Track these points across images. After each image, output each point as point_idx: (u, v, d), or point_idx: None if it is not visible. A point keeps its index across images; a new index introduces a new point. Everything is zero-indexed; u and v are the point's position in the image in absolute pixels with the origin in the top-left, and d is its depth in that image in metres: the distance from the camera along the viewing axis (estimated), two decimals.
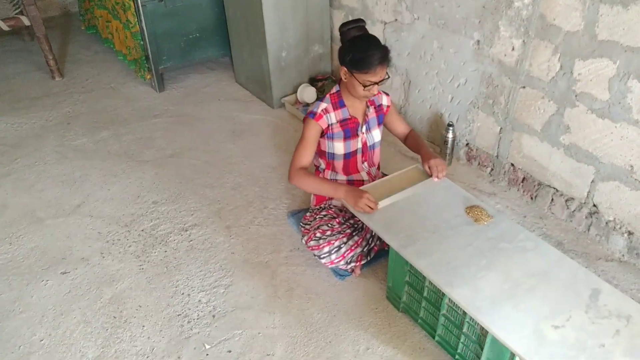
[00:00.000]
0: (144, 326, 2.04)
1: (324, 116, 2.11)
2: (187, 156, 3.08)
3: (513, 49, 2.42)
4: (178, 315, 2.08)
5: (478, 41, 2.57)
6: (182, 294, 2.17)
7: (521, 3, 2.30)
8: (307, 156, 2.13)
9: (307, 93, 3.50)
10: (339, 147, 2.18)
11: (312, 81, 3.62)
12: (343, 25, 2.05)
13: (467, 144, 2.89)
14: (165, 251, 2.39)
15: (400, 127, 2.36)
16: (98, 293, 2.20)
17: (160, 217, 2.60)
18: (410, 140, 2.34)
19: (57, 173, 2.95)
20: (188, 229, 2.51)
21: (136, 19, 3.49)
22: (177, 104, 3.67)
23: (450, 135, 2.81)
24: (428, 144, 2.41)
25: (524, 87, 2.45)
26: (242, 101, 3.70)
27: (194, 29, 3.77)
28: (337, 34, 3.54)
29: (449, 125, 2.81)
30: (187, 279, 2.24)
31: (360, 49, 1.95)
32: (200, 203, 2.69)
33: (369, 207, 1.95)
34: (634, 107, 2.04)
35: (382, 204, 1.99)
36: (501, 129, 2.64)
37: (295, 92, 3.56)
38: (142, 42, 3.58)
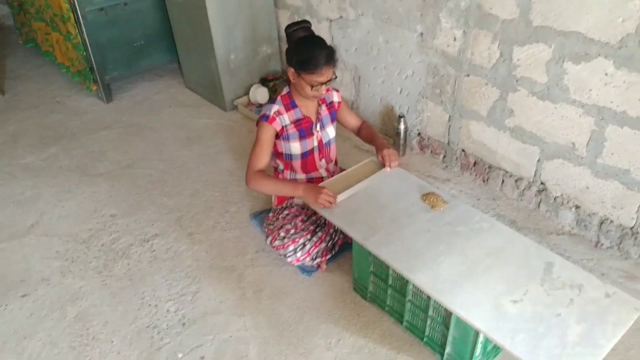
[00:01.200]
0: (112, 341, 2.02)
1: (277, 118, 2.13)
2: (141, 166, 3.04)
3: (455, 39, 2.51)
4: (147, 327, 2.06)
5: (421, 34, 2.65)
6: (150, 305, 2.16)
7: None
8: (262, 159, 2.14)
9: (260, 93, 3.50)
10: (295, 147, 2.20)
11: (264, 81, 3.63)
12: (288, 26, 2.07)
13: (419, 134, 2.97)
14: (128, 264, 2.36)
15: (353, 121, 2.41)
16: (62, 312, 2.15)
17: (120, 230, 2.56)
18: (364, 132, 2.39)
19: (7, 194, 2.86)
20: (149, 240, 2.49)
21: (77, 30, 3.40)
22: (126, 113, 3.61)
23: (402, 126, 2.89)
24: (382, 136, 2.46)
25: (468, 75, 2.54)
26: (194, 106, 3.67)
27: (138, 36, 3.70)
28: (284, 34, 3.56)
29: (400, 116, 2.88)
30: (153, 290, 2.22)
31: (306, 50, 1.98)
32: (159, 213, 2.66)
33: (328, 202, 1.99)
34: (571, 87, 2.16)
35: (341, 197, 2.04)
36: (450, 117, 2.74)
37: (247, 93, 3.56)
38: (85, 53, 3.50)
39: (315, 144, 2.25)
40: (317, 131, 2.24)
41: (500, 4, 2.26)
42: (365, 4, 2.88)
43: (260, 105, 3.50)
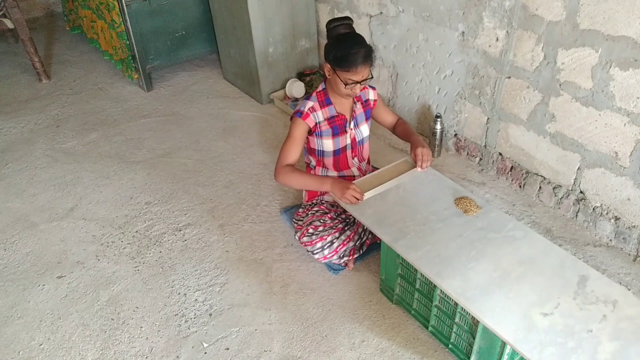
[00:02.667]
0: (141, 327, 2.07)
1: (311, 115, 2.13)
2: (178, 156, 3.09)
3: (497, 39, 2.44)
4: (175, 315, 2.11)
5: (463, 32, 2.60)
6: (179, 293, 2.20)
7: None
8: (293, 154, 2.15)
9: (296, 88, 3.51)
10: (328, 144, 2.20)
11: (300, 76, 3.63)
12: (330, 22, 2.06)
13: (455, 135, 2.92)
14: (160, 252, 2.41)
15: (389, 118, 2.39)
16: (95, 296, 2.22)
17: (154, 218, 2.61)
18: (399, 129, 2.36)
19: (48, 177, 2.96)
20: (182, 229, 2.53)
21: (121, 19, 3.47)
22: (165, 103, 3.67)
23: (438, 126, 2.84)
24: (418, 134, 2.44)
25: (509, 77, 2.48)
26: (231, 98, 3.71)
27: (180, 26, 3.76)
28: (323, 28, 3.55)
29: (437, 116, 2.84)
30: (182, 279, 2.27)
31: (344, 47, 1.96)
32: (193, 202, 2.71)
33: (355, 197, 1.99)
34: (617, 94, 2.08)
35: (368, 195, 2.03)
36: (488, 119, 2.68)
37: (283, 87, 3.57)
38: (128, 42, 3.57)
39: (349, 141, 2.24)
40: (351, 129, 2.23)
41: (546, 5, 2.18)
42: (406, 1, 2.83)
43: (296, 100, 3.51)
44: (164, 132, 3.33)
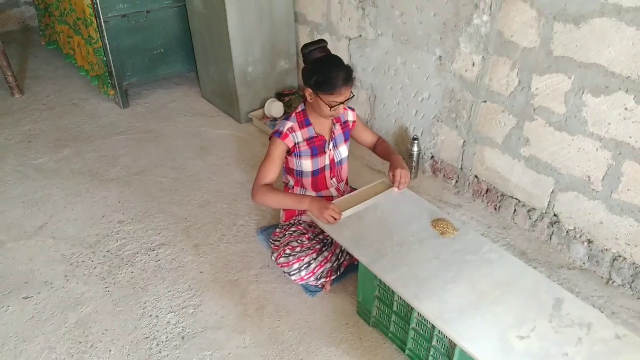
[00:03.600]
0: (110, 350, 2.00)
1: (290, 135, 2.12)
2: (153, 174, 3.04)
3: (473, 64, 2.49)
4: (146, 338, 2.04)
5: (440, 57, 2.64)
6: (150, 315, 2.14)
7: (480, 20, 2.37)
8: (271, 173, 2.13)
9: (275, 108, 3.51)
10: (306, 165, 2.19)
11: (279, 96, 3.64)
12: (305, 46, 2.06)
13: (432, 157, 2.95)
14: (132, 272, 2.35)
15: (369, 137, 2.39)
16: (62, 317, 2.14)
17: (127, 237, 2.55)
18: (379, 148, 2.37)
19: (18, 194, 2.87)
20: (155, 249, 2.48)
21: (98, 35, 3.44)
22: (142, 120, 3.63)
23: (415, 148, 2.86)
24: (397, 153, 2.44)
25: (485, 101, 2.52)
26: (209, 116, 3.69)
27: (158, 44, 3.74)
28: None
29: (414, 138, 2.86)
30: (155, 300, 2.20)
31: (324, 71, 1.97)
32: (167, 221, 2.65)
33: (333, 217, 1.98)
34: (589, 120, 2.13)
35: (346, 214, 2.03)
36: (464, 142, 2.71)
37: (262, 106, 3.57)
38: (104, 58, 3.53)
39: (327, 162, 2.23)
40: (330, 150, 2.23)
41: (521, 31, 2.24)
42: (385, 25, 2.87)
43: (275, 119, 3.51)
44: (140, 150, 3.28)
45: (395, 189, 2.17)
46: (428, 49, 2.68)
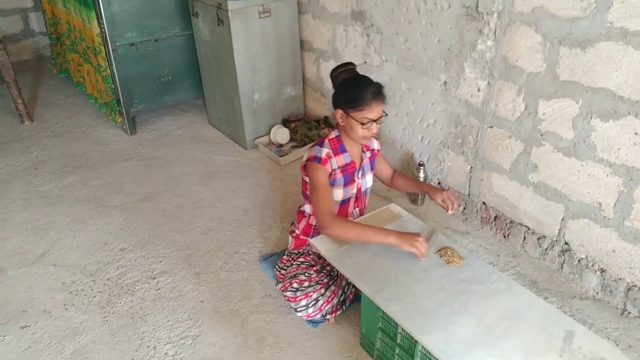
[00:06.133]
0: None
1: (329, 161, 2.03)
2: (157, 200, 3.02)
3: (479, 89, 2.46)
4: None
5: (445, 82, 2.61)
6: (148, 346, 2.08)
7: (484, 46, 2.35)
8: (330, 201, 1.99)
9: (281, 134, 3.50)
10: (338, 194, 2.09)
11: (285, 122, 3.63)
12: (333, 70, 2.04)
13: (439, 183, 2.90)
14: (132, 301, 2.30)
15: (387, 169, 2.35)
16: (59, 348, 2.09)
17: (127, 265, 2.52)
18: (400, 180, 2.32)
19: (21, 220, 2.86)
20: (156, 277, 2.44)
21: (107, 63, 3.48)
22: (148, 147, 3.63)
23: (421, 174, 2.82)
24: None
25: (491, 126, 2.48)
26: (215, 143, 3.68)
27: (166, 72, 3.77)
28: (309, 76, 3.58)
29: (420, 165, 2.82)
30: (153, 330, 2.15)
31: (353, 88, 1.92)
32: (169, 249, 2.62)
33: (425, 248, 1.87)
34: (598, 145, 2.07)
35: (334, 259, 1.93)
36: (471, 168, 2.66)
37: (268, 133, 3.56)
38: (113, 86, 3.56)
39: (354, 191, 2.16)
40: (358, 178, 2.15)
41: (526, 56, 2.21)
42: (389, 51, 2.87)
43: (281, 145, 3.49)
44: (145, 177, 3.27)
45: (450, 212, 2.09)
46: (433, 74, 2.66)
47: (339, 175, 2.08)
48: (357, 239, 1.92)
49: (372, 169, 2.22)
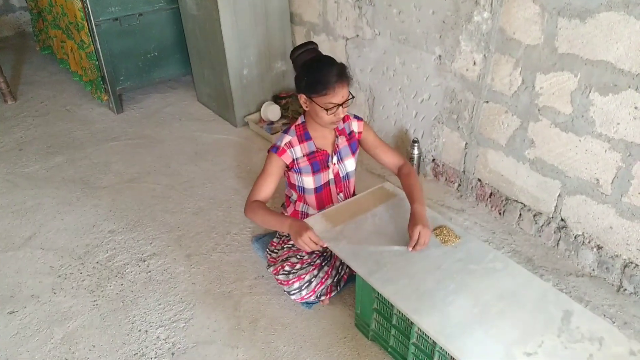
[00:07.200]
0: None
1: (288, 150, 1.97)
2: (146, 181, 2.96)
3: (474, 63, 2.39)
4: (134, 354, 1.95)
5: (440, 56, 2.54)
6: (139, 330, 2.04)
7: (480, 17, 2.27)
8: (264, 190, 1.97)
9: (271, 111, 3.42)
10: (308, 182, 2.04)
11: (276, 99, 3.55)
12: (293, 51, 1.92)
13: (433, 160, 2.85)
14: (122, 284, 2.26)
15: (392, 159, 2.13)
16: (48, 333, 2.05)
17: (117, 247, 2.46)
18: (404, 182, 2.05)
19: (7, 203, 2.79)
20: (146, 259, 2.39)
21: (90, 39, 3.36)
22: (136, 125, 3.54)
23: (415, 151, 2.77)
24: (423, 194, 2.03)
25: (487, 101, 2.42)
26: (205, 121, 3.60)
27: (152, 47, 3.66)
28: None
29: (414, 141, 2.76)
30: (144, 314, 2.11)
31: (314, 71, 1.83)
32: (159, 230, 2.56)
33: (313, 242, 1.77)
34: (597, 120, 2.02)
35: (329, 243, 1.86)
36: (466, 144, 2.61)
37: (258, 110, 3.48)
38: (97, 63, 3.45)
39: (331, 177, 2.09)
40: (334, 164, 2.08)
41: (524, 28, 2.14)
42: (382, 24, 2.78)
43: (272, 122, 3.42)
44: (133, 156, 3.19)
45: (410, 249, 1.81)
46: (427, 48, 2.58)
47: (305, 163, 2.01)
48: (263, 223, 1.96)
49: (353, 152, 2.11)
